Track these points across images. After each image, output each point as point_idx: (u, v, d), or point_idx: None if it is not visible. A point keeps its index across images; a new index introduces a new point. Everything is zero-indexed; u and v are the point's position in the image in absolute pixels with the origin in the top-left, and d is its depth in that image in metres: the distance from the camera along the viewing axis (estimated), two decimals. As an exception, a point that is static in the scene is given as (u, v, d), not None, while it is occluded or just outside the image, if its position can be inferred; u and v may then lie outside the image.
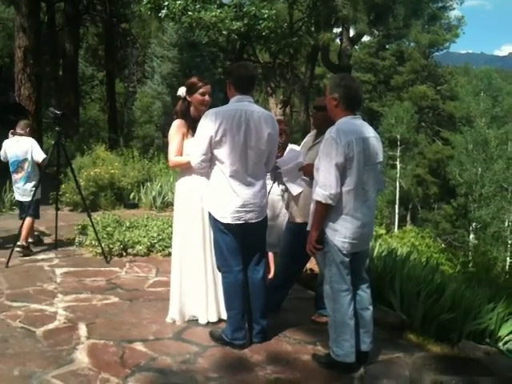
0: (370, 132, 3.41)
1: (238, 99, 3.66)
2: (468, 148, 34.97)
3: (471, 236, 32.89)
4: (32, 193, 6.06)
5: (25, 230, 6.01)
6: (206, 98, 4.07)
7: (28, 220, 6.09)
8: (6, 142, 6.29)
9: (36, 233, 6.67)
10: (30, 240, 6.27)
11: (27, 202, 6.12)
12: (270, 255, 4.98)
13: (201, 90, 4.06)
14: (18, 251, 5.88)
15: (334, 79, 3.53)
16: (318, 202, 3.27)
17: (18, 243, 5.91)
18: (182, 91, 4.16)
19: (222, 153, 3.59)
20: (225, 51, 23.40)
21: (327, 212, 3.29)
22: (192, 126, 4.05)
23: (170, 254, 4.52)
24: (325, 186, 3.21)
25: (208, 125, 3.57)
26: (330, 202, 3.22)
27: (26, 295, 4.70)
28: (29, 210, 6.04)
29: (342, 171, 3.23)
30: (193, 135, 3.98)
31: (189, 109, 4.14)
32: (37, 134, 13.74)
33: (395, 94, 45.35)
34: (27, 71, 13.19)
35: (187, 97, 4.12)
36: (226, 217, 3.63)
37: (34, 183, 6.19)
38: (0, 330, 3.91)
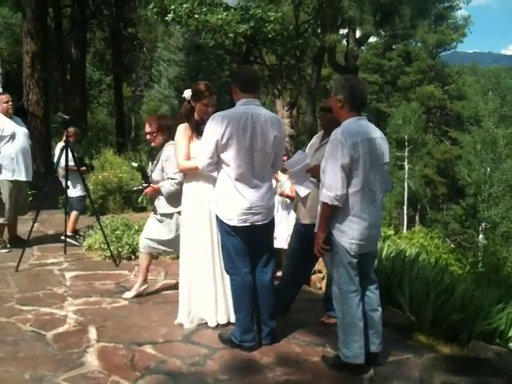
0: (375, 133, 3.41)
1: (245, 102, 3.67)
2: (476, 148, 34.73)
3: (480, 236, 32.64)
4: (76, 189, 6.80)
5: (70, 223, 6.72)
6: (209, 109, 4.06)
7: (73, 214, 6.81)
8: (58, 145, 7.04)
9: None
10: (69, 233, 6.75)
11: (72, 197, 6.70)
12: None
13: (204, 101, 4.06)
14: (68, 241, 6.46)
15: (338, 81, 3.54)
16: (324, 204, 3.27)
17: (67, 234, 6.53)
18: (187, 94, 4.17)
19: (229, 156, 3.59)
20: (231, 54, 23.44)
21: (334, 213, 3.29)
22: (196, 128, 4.07)
23: (178, 257, 4.53)
24: (331, 187, 3.21)
25: (215, 128, 3.58)
26: (336, 203, 3.22)
27: (36, 299, 4.73)
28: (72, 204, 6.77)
29: (348, 172, 3.23)
30: (198, 138, 4.00)
31: (192, 112, 4.15)
32: (45, 138, 13.90)
33: (402, 94, 45.18)
34: (35, 77, 13.30)
35: (191, 101, 4.14)
36: (233, 219, 3.64)
37: (76, 181, 6.66)
38: (11, 333, 3.93)
